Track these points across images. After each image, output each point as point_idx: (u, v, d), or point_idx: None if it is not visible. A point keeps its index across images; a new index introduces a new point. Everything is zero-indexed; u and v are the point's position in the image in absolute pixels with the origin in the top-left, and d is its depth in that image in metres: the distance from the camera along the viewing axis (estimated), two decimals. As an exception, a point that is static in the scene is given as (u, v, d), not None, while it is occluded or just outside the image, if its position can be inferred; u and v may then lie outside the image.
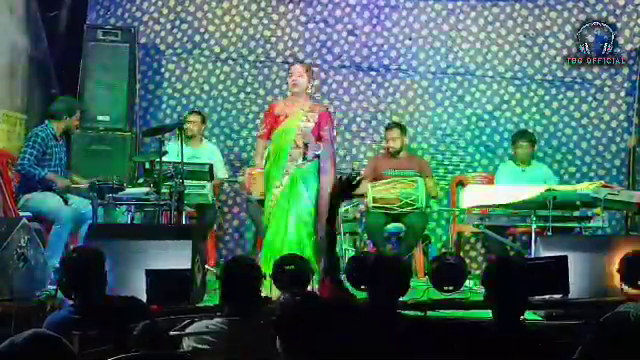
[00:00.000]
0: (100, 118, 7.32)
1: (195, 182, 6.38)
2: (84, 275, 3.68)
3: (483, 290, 3.37)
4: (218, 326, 3.37)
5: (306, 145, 5.76)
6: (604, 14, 7.71)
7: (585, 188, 6.05)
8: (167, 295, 4.82)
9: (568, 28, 7.74)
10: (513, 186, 6.48)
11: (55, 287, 4.88)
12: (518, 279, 3.29)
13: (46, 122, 6.37)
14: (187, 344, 3.33)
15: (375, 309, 3.47)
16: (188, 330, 3.40)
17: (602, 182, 6.44)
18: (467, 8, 7.80)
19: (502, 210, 6.19)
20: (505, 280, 3.26)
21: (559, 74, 7.75)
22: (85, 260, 3.73)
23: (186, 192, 6.07)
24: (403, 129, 7.16)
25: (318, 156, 5.83)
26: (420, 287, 5.77)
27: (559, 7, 7.76)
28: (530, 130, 7.47)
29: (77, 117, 6.48)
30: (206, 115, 7.51)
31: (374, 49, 7.82)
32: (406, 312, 4.78)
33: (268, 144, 5.92)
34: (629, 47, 7.68)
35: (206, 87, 7.85)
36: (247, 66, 7.85)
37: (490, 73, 7.78)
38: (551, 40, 7.76)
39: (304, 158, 5.76)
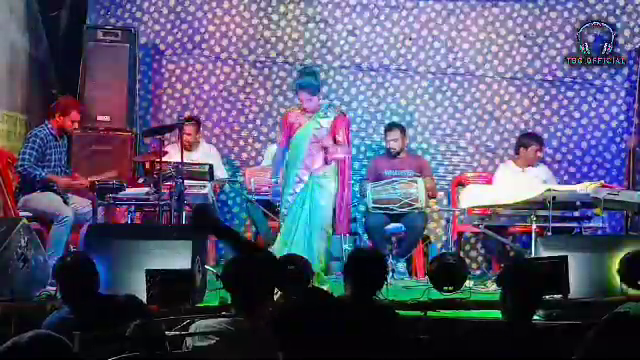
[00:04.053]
0: (100, 118, 7.31)
1: (195, 182, 6.38)
2: (73, 283, 3.76)
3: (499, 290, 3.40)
4: (222, 325, 3.37)
5: (326, 149, 5.83)
6: (604, 14, 7.70)
7: (585, 188, 6.05)
8: (167, 295, 4.82)
9: (568, 28, 7.73)
10: (513, 186, 6.48)
11: (55, 287, 4.88)
12: (538, 280, 3.33)
13: (45, 122, 6.37)
14: (189, 343, 3.33)
15: (356, 303, 3.57)
16: (190, 329, 3.41)
17: (602, 182, 6.43)
18: (467, 8, 7.79)
19: (502, 210, 6.19)
20: (523, 281, 3.29)
21: (559, 74, 7.74)
22: (73, 268, 3.78)
23: (186, 192, 6.08)
24: (403, 130, 7.17)
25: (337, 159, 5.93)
26: (420, 287, 5.77)
27: (559, 7, 7.75)
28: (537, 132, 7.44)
29: (72, 117, 6.26)
30: (200, 119, 7.48)
31: (374, 49, 7.82)
32: (406, 312, 4.84)
33: (284, 151, 6.03)
34: (629, 47, 7.67)
35: (206, 87, 7.85)
36: (247, 66, 7.85)
37: (490, 73, 7.77)
38: (551, 40, 7.75)
39: (325, 162, 5.85)
